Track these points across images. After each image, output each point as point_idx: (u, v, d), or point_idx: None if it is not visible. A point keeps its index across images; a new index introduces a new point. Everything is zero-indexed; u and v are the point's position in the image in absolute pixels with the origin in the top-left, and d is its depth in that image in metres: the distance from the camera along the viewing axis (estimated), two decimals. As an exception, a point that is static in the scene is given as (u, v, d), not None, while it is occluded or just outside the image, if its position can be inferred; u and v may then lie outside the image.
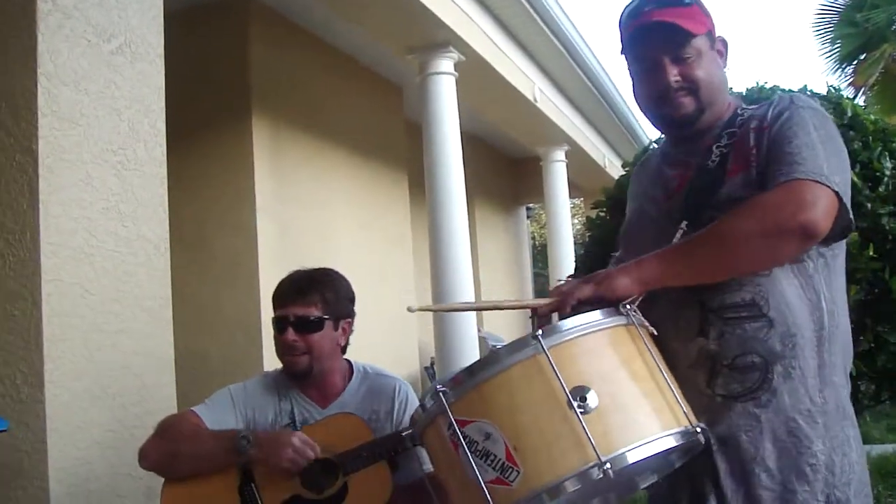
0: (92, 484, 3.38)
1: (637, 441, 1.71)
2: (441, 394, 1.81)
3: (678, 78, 2.05)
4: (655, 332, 1.92)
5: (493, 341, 10.12)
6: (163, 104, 3.96)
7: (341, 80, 8.61)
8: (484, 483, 1.73)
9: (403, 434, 2.79)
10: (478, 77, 8.44)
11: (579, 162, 12.96)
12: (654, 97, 2.11)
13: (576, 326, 1.82)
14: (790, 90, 5.61)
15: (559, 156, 12.16)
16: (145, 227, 3.76)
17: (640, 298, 1.92)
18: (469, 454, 1.75)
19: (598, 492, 1.98)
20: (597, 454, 1.65)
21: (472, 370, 1.82)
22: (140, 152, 3.78)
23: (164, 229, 3.88)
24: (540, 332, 1.77)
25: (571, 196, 13.85)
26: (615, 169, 13.01)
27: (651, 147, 6.05)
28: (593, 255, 5.94)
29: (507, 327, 12.77)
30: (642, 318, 1.90)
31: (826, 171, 1.87)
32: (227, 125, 7.20)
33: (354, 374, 3.12)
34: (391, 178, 9.42)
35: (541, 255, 20.34)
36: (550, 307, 2.03)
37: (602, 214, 6.06)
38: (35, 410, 3.27)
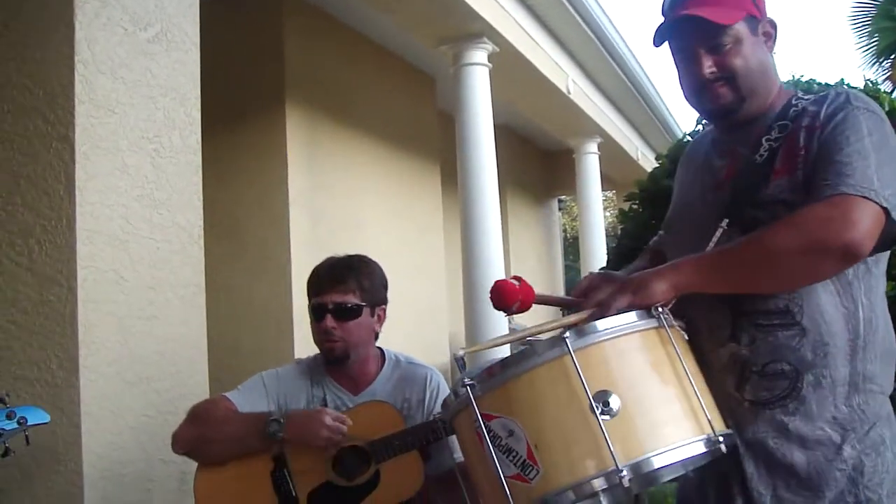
0: (126, 468, 3.42)
1: (657, 449, 1.70)
2: (468, 387, 1.81)
3: (713, 69, 2.00)
4: (687, 337, 1.90)
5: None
6: (198, 93, 3.98)
7: (375, 71, 8.62)
8: (504, 478, 1.74)
9: (436, 422, 2.80)
10: (511, 68, 8.43)
11: (612, 154, 12.91)
12: (693, 89, 2.07)
13: (606, 329, 1.80)
14: (827, 84, 5.55)
15: (592, 148, 12.12)
16: (180, 214, 3.79)
17: (673, 301, 1.89)
18: (492, 449, 1.76)
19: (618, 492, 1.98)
20: (615, 460, 1.65)
21: (500, 366, 1.82)
22: (175, 140, 3.80)
23: (198, 217, 3.90)
24: (567, 333, 1.75)
25: (604, 189, 13.80)
26: (648, 162, 12.95)
27: (686, 139, 6.03)
28: (625, 247, 5.92)
29: (538, 319, 12.74)
30: (674, 321, 1.87)
31: (876, 184, 1.79)
32: (261, 115, 7.23)
33: (386, 362, 3.13)
34: (423, 169, 9.42)
35: (572, 248, 20.33)
36: (587, 323, 1.96)
37: (635, 207, 6.04)
38: (70, 395, 3.30)
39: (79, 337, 3.31)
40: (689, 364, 1.84)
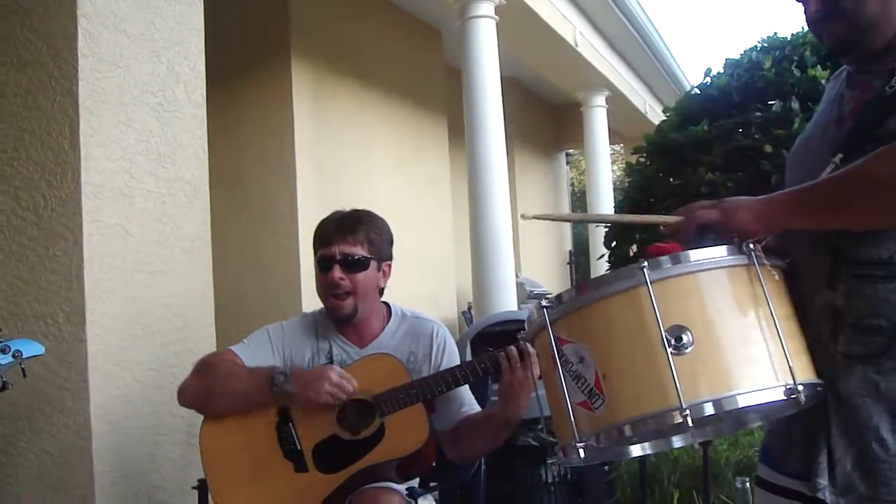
0: (133, 421, 3.44)
1: (725, 391, 1.64)
2: (545, 309, 1.80)
3: (817, 7, 1.89)
4: (777, 278, 1.79)
5: (530, 286, 10.14)
6: (202, 46, 3.95)
7: (381, 23, 8.55)
8: (571, 404, 1.74)
9: (441, 374, 2.82)
10: (518, 21, 8.35)
11: (620, 108, 12.82)
12: (810, 29, 1.97)
13: (689, 262, 1.72)
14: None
15: (600, 101, 12.04)
16: (185, 168, 3.78)
17: (766, 239, 1.78)
18: (562, 373, 1.75)
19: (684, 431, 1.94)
20: (679, 399, 1.61)
21: (577, 290, 1.78)
22: (180, 94, 3.79)
23: (203, 171, 3.89)
24: (646, 263, 1.68)
25: (611, 142, 13.73)
26: (656, 115, 12.86)
27: (693, 92, 6.00)
28: (632, 200, 5.92)
29: (545, 273, 12.78)
30: (766, 260, 1.76)
31: None
32: (266, 67, 7.18)
33: (393, 316, 3.14)
34: (430, 122, 9.37)
35: (579, 202, 20.27)
36: (674, 226, 1.90)
37: (642, 160, 6.03)
38: (77, 349, 3.32)
39: (85, 291, 3.31)
40: (778, 307, 1.74)
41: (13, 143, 3.44)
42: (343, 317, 3.01)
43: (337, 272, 2.95)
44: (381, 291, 3.13)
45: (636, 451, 2.07)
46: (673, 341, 1.65)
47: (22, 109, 3.44)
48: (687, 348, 1.65)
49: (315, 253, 3.06)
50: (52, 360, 3.32)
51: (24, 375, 2.88)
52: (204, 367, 2.94)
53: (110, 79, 3.48)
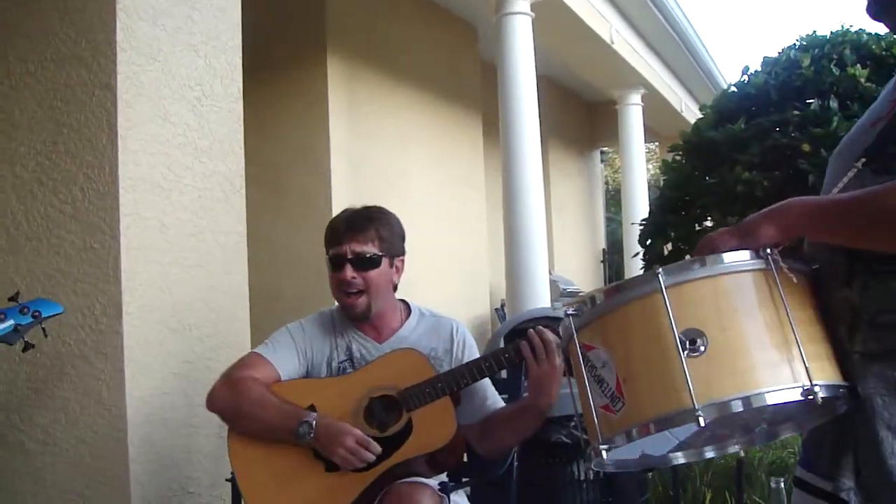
0: (167, 413, 3.47)
1: (739, 392, 1.65)
2: (570, 317, 1.82)
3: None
4: (796, 281, 1.76)
5: (563, 284, 10.11)
6: (239, 41, 3.97)
7: (416, 20, 8.56)
8: (595, 407, 1.77)
9: (466, 367, 2.82)
10: (554, 17, 8.34)
11: (655, 106, 12.77)
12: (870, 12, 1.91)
13: (706, 266, 1.74)
14: (877, 34, 5.45)
15: (635, 99, 12.00)
16: (221, 163, 3.80)
17: (786, 242, 1.76)
18: (587, 377, 1.78)
19: (718, 433, 1.96)
20: (692, 401, 1.62)
21: (599, 298, 1.81)
22: (217, 88, 3.81)
23: (239, 165, 3.91)
24: (661, 269, 1.70)
25: (646, 140, 13.67)
26: (692, 114, 12.79)
27: (731, 90, 5.95)
28: (667, 199, 5.89)
29: (578, 271, 12.74)
30: (783, 263, 1.74)
31: None
32: (302, 63, 7.21)
33: (412, 313, 3.15)
34: (465, 119, 9.37)
35: (614, 200, 20.19)
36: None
37: (678, 158, 5.99)
38: (113, 341, 3.35)
39: (122, 284, 3.34)
40: (796, 310, 1.73)
41: (52, 137, 3.48)
42: (357, 315, 3.02)
43: (349, 271, 2.96)
44: (396, 287, 3.13)
45: (679, 459, 2.08)
46: (688, 344, 1.66)
47: (61, 104, 3.47)
48: (702, 351, 1.67)
49: (327, 252, 3.06)
50: (88, 351, 3.35)
51: (45, 335, 2.90)
52: (236, 384, 2.91)
53: (148, 73, 3.51)
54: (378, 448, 2.73)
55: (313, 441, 2.74)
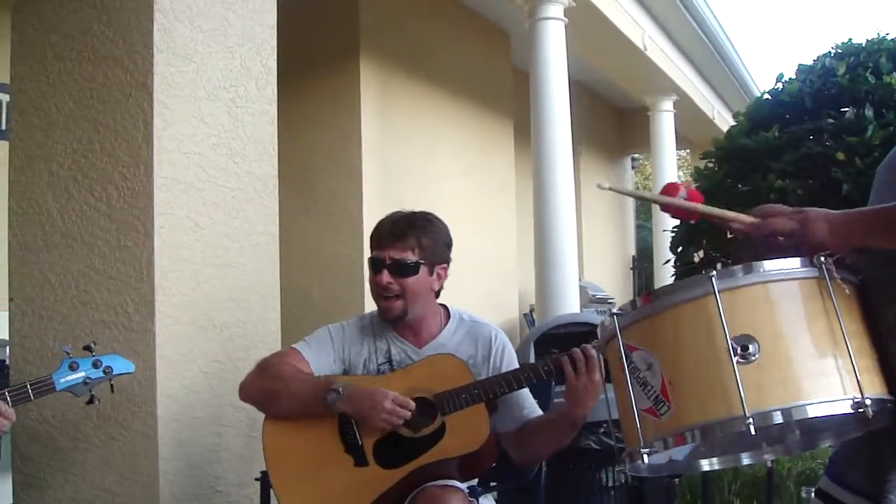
0: (197, 412, 3.48)
1: (792, 401, 1.64)
2: (615, 317, 1.80)
3: None
4: (848, 292, 1.75)
5: (592, 290, 10.08)
6: (274, 43, 3.99)
7: (449, 25, 8.57)
8: (637, 410, 1.74)
9: (504, 376, 2.82)
10: (587, 23, 8.32)
11: (687, 112, 12.72)
12: None
13: (760, 272, 1.72)
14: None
15: (667, 106, 11.97)
16: (255, 164, 3.82)
17: (840, 253, 1.75)
18: (629, 379, 1.76)
19: (752, 441, 1.94)
20: (743, 408, 1.61)
21: (648, 298, 1.80)
22: (251, 90, 3.83)
23: (272, 167, 3.92)
24: (714, 272, 1.69)
25: (678, 148, 13.62)
26: (724, 121, 12.74)
27: (764, 97, 5.92)
28: (699, 206, 5.84)
29: (608, 278, 12.70)
30: (836, 274, 1.73)
31: None
32: (335, 67, 7.24)
33: (451, 318, 3.15)
34: (496, 124, 9.37)
35: (644, 207, 20.10)
36: (747, 227, 1.87)
37: (710, 165, 5.97)
38: (145, 339, 3.37)
39: (155, 282, 3.36)
40: (848, 321, 1.71)
41: (88, 136, 3.50)
42: (392, 318, 3.03)
43: (385, 276, 2.97)
44: (438, 293, 3.13)
45: (705, 465, 2.06)
46: (739, 350, 1.64)
47: (97, 103, 3.50)
48: (754, 357, 1.64)
49: (371, 251, 3.07)
50: (120, 348, 3.37)
51: (112, 391, 2.95)
52: (267, 368, 2.97)
53: (184, 73, 3.53)
54: (412, 404, 2.76)
55: (342, 406, 2.77)
